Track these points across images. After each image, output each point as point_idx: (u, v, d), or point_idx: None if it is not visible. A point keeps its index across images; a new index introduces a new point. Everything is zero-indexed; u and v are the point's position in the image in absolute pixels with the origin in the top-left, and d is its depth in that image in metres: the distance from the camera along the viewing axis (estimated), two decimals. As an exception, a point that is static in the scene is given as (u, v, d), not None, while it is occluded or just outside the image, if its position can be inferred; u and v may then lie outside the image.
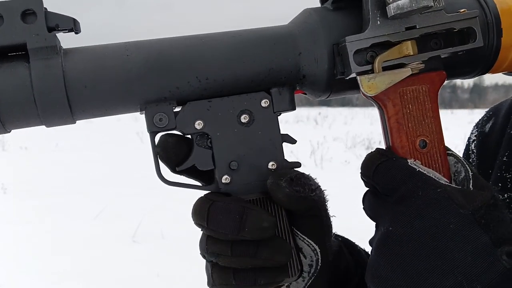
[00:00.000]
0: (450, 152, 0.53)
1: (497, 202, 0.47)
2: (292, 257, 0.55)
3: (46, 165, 8.21)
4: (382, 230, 0.48)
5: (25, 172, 7.65)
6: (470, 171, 0.51)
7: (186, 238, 4.53)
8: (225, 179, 0.55)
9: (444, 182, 0.48)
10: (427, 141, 0.52)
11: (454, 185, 0.49)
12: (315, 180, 0.56)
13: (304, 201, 0.53)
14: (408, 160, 0.50)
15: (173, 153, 0.55)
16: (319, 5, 0.57)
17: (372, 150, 0.53)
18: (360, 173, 0.53)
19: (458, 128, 12.16)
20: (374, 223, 0.52)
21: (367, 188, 0.54)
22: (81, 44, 0.54)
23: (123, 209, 5.42)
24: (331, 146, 10.56)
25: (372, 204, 0.52)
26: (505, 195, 0.69)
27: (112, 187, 6.49)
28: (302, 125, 15.60)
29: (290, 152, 0.57)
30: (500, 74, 0.62)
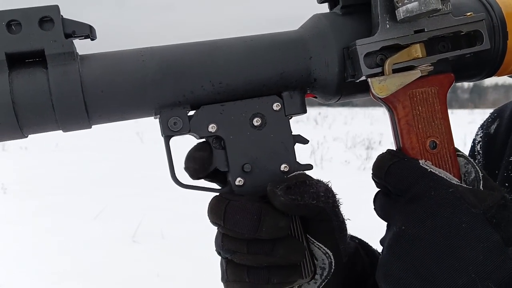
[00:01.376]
0: (460, 153, 0.54)
1: (507, 203, 0.48)
2: (305, 258, 0.56)
3: (46, 165, 8.21)
4: (394, 229, 0.49)
5: (25, 172, 7.65)
6: (480, 172, 0.51)
7: (186, 238, 4.54)
8: (239, 181, 0.56)
9: (455, 182, 0.49)
10: (437, 142, 0.53)
11: (465, 185, 0.49)
12: (325, 184, 0.55)
13: (303, 208, 0.53)
14: (420, 161, 0.51)
15: (200, 165, 0.56)
16: (326, 10, 0.58)
17: (382, 152, 0.54)
18: (372, 174, 0.53)
19: (458, 128, 12.13)
20: (386, 223, 0.53)
21: (378, 189, 0.54)
22: (88, 46, 0.55)
23: (123, 209, 5.42)
24: (331, 146, 10.56)
25: (384, 205, 0.53)
26: None
27: (112, 187, 6.49)
28: (302, 125, 15.59)
29: (309, 141, 0.57)
30: (505, 76, 0.63)
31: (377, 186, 0.54)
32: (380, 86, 0.52)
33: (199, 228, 5.03)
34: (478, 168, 0.52)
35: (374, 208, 0.54)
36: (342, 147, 10.92)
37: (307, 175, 0.56)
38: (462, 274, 0.44)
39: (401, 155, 0.52)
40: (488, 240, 0.45)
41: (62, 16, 0.51)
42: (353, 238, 0.66)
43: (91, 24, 0.53)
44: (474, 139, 0.83)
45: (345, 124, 18.44)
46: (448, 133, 0.54)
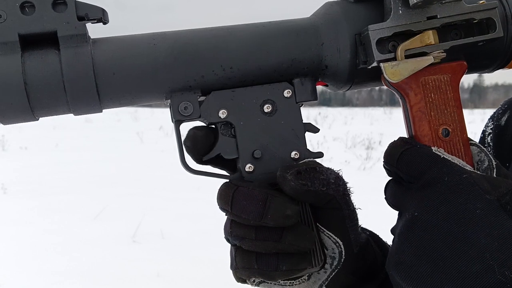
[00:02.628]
0: (473, 142, 0.53)
1: None
2: (315, 246, 0.55)
3: (46, 165, 8.21)
4: (406, 216, 0.48)
5: (25, 172, 7.65)
6: (493, 160, 0.51)
7: (186, 238, 4.54)
8: (249, 167, 0.55)
9: (469, 169, 0.48)
10: (450, 130, 0.53)
11: (478, 172, 0.48)
12: (336, 172, 0.55)
13: (313, 194, 0.53)
14: (432, 148, 0.50)
15: (201, 145, 0.55)
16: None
17: (394, 140, 0.53)
18: (384, 161, 0.53)
19: (458, 128, 12.11)
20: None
21: (390, 178, 0.54)
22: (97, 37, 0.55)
23: (123, 209, 5.41)
24: (331, 146, 10.55)
25: (395, 192, 0.52)
26: None
27: (112, 187, 6.49)
28: (302, 125, 15.54)
29: (320, 129, 0.57)
30: (500, 74, 0.63)
31: (389, 175, 0.54)
32: (393, 71, 0.51)
33: (199, 228, 5.04)
34: (491, 157, 0.51)
35: (385, 198, 0.53)
36: (342, 147, 10.92)
37: (318, 162, 0.55)
38: (477, 260, 0.43)
39: (413, 142, 0.52)
40: (503, 227, 0.43)
41: None
42: (364, 230, 0.65)
43: (103, 8, 0.53)
44: (484, 131, 0.82)
45: (345, 124, 18.44)
46: (461, 121, 0.53)
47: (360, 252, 0.58)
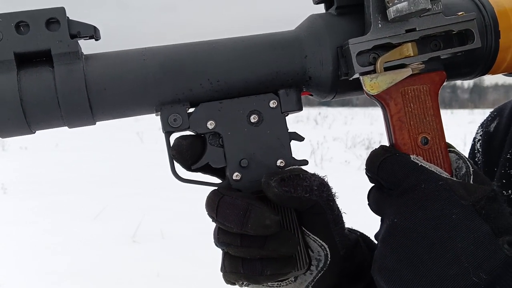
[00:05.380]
0: (452, 149, 0.55)
1: (497, 196, 0.49)
2: (299, 250, 0.57)
3: (46, 165, 8.21)
4: (387, 222, 0.50)
5: (25, 172, 7.65)
6: (471, 167, 0.52)
7: (186, 238, 4.54)
8: (236, 176, 0.58)
9: (445, 176, 0.50)
10: (429, 138, 0.54)
11: (455, 179, 0.50)
12: (320, 178, 0.57)
13: (296, 200, 0.55)
14: (411, 156, 0.52)
15: (187, 154, 0.57)
16: (323, 10, 0.60)
17: (376, 148, 0.55)
18: (365, 169, 0.55)
19: (458, 128, 12.16)
20: (379, 218, 0.53)
21: (372, 184, 0.56)
22: (93, 47, 0.57)
23: (123, 209, 5.42)
24: (331, 146, 10.56)
25: (377, 199, 0.54)
26: (509, 191, 0.71)
27: (112, 187, 6.49)
28: (302, 125, 15.59)
29: (304, 138, 0.58)
30: (500, 74, 0.63)
31: (371, 181, 0.56)
32: (372, 83, 0.53)
33: (199, 228, 5.04)
34: (469, 163, 0.53)
35: (368, 204, 0.56)
36: (342, 147, 10.93)
37: (302, 169, 0.57)
38: (453, 264, 0.44)
39: (393, 150, 0.54)
40: (478, 231, 0.45)
41: (68, 17, 0.53)
42: (354, 231, 0.67)
43: (95, 25, 0.55)
44: (475, 138, 0.84)
45: (345, 124, 18.44)
46: (440, 130, 0.55)
47: (348, 254, 0.60)
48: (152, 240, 4.47)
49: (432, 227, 0.46)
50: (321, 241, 0.58)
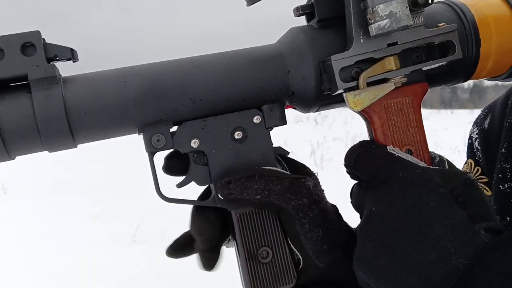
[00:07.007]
0: (436, 162, 0.56)
1: (473, 183, 0.49)
2: (284, 263, 0.57)
3: (46, 165, 8.20)
4: (365, 212, 0.50)
5: (25, 172, 7.64)
6: (446, 159, 0.54)
7: (186, 238, 4.54)
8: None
9: (422, 165, 0.50)
10: (412, 150, 0.55)
11: (431, 167, 0.51)
12: (293, 184, 0.55)
13: (244, 203, 0.55)
14: (388, 147, 0.53)
15: (179, 170, 0.59)
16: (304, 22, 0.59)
17: (355, 143, 0.56)
18: (344, 164, 0.55)
19: (458, 128, 12.14)
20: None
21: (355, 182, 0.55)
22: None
23: (123, 209, 5.42)
24: (331, 146, 10.54)
25: (356, 194, 0.54)
26: (506, 185, 0.71)
27: (112, 187, 6.49)
28: (302, 125, 15.58)
29: (290, 152, 0.58)
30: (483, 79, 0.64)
31: (351, 177, 0.55)
32: (355, 100, 0.53)
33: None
34: (449, 164, 0.54)
35: (351, 201, 0.55)
36: (342, 147, 10.91)
37: (273, 170, 0.56)
38: (432, 250, 0.44)
39: (369, 143, 0.55)
40: (456, 217, 0.45)
41: (44, 40, 0.52)
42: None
43: (72, 47, 0.53)
44: (471, 137, 0.85)
45: (345, 124, 18.41)
46: (423, 141, 0.55)
47: (336, 263, 0.57)
48: (152, 240, 4.47)
49: (411, 215, 0.46)
50: (296, 251, 0.57)
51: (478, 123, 0.84)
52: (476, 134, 0.83)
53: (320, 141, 10.65)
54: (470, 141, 0.84)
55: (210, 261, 0.61)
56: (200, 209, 0.59)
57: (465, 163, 0.86)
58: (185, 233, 0.63)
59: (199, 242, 0.59)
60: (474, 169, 0.83)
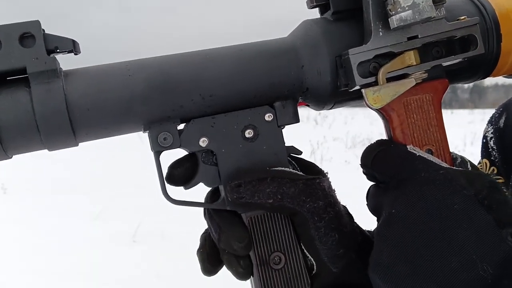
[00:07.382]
0: (456, 156, 0.53)
1: (498, 186, 0.46)
2: (299, 270, 0.54)
3: (46, 165, 8.20)
4: (384, 215, 0.47)
5: (25, 172, 7.64)
6: (468, 161, 0.51)
7: (186, 238, 4.53)
8: None
9: (445, 166, 0.47)
10: (433, 150, 0.52)
11: (455, 168, 0.48)
12: (307, 187, 0.52)
13: (255, 207, 0.52)
14: (408, 146, 0.50)
15: (182, 181, 0.56)
16: (317, 15, 0.57)
17: (372, 142, 0.53)
18: (360, 164, 0.52)
19: (458, 128, 12.13)
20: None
21: (371, 184, 0.53)
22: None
23: (123, 209, 5.41)
24: (331, 146, 10.54)
25: (373, 195, 0.51)
26: None
27: (112, 187, 6.48)
28: (302, 125, 15.53)
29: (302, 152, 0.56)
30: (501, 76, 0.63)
31: (368, 178, 0.53)
32: (375, 97, 0.51)
33: (199, 228, 5.01)
34: (472, 165, 0.51)
35: (367, 204, 0.52)
36: (342, 147, 10.91)
37: (286, 171, 0.53)
38: (456, 256, 0.42)
39: (388, 142, 0.52)
40: (481, 222, 0.43)
41: (44, 31, 0.48)
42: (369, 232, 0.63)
43: (74, 39, 0.50)
44: (486, 136, 0.82)
45: (345, 124, 18.41)
46: (444, 141, 0.53)
47: (350, 267, 0.54)
48: (152, 240, 4.47)
49: (434, 218, 0.43)
50: (309, 255, 0.54)
51: (493, 122, 0.81)
52: (491, 133, 0.80)
53: (320, 141, 10.64)
54: (484, 141, 0.82)
55: (249, 268, 0.54)
56: (226, 215, 0.55)
57: (479, 163, 0.84)
58: (208, 250, 0.57)
59: (240, 249, 0.52)
60: (489, 169, 0.81)
